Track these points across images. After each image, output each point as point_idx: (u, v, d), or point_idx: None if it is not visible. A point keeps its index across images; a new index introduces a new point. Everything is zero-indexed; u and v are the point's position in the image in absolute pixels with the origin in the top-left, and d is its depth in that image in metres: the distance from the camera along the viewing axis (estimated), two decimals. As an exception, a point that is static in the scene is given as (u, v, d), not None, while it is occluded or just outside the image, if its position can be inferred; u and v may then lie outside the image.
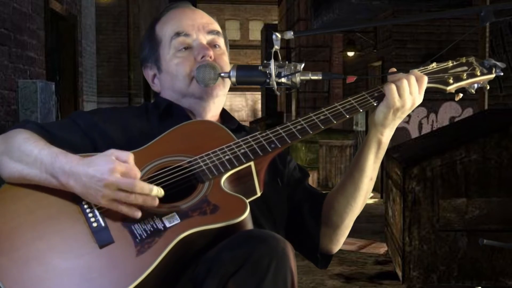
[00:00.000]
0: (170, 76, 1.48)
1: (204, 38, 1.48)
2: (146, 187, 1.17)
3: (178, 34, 1.47)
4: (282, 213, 1.48)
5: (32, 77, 4.88)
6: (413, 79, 1.35)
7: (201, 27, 1.49)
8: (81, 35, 6.83)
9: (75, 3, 6.65)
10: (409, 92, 1.34)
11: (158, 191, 1.18)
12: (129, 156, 1.19)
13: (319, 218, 1.48)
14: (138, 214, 1.18)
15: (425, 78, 1.37)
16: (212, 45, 1.49)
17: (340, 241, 1.52)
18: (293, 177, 1.55)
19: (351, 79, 1.39)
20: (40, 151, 1.24)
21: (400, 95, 1.33)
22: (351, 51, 9.82)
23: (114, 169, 1.16)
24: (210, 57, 1.45)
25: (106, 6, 9.88)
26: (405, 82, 1.34)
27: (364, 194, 1.46)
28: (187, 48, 1.47)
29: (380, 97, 1.36)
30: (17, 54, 4.57)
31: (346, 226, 1.49)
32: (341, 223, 1.48)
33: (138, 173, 1.18)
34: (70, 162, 1.20)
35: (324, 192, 1.55)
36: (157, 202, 1.18)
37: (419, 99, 1.36)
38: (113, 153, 1.19)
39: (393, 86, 1.34)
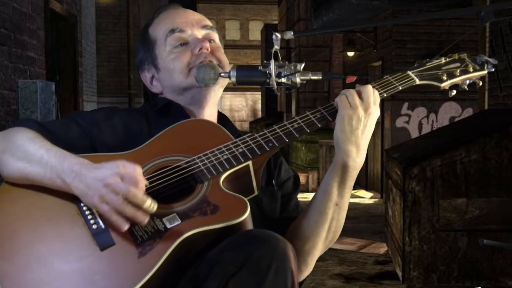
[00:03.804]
0: (168, 72, 1.47)
1: (199, 33, 1.49)
2: (139, 196, 1.15)
3: (172, 31, 1.47)
4: (274, 215, 1.46)
5: (32, 77, 4.88)
6: (361, 88, 1.34)
7: (195, 22, 1.50)
8: (81, 35, 6.83)
9: (75, 3, 6.65)
10: (358, 98, 1.32)
11: (151, 204, 1.15)
12: (136, 166, 1.18)
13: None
14: (125, 226, 1.15)
15: (369, 87, 1.34)
16: (207, 39, 1.49)
17: (301, 268, 1.40)
18: (285, 186, 1.52)
19: (351, 79, 1.40)
20: (47, 151, 1.24)
21: (350, 102, 1.31)
22: (351, 51, 9.82)
23: (117, 173, 1.16)
24: (207, 49, 1.46)
25: (106, 6, 9.90)
26: (352, 90, 1.33)
27: (329, 222, 1.37)
28: (183, 44, 1.47)
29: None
30: (17, 54, 4.57)
31: (307, 252, 1.39)
32: (302, 246, 1.38)
33: (141, 183, 1.16)
34: (80, 164, 1.21)
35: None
36: (146, 220, 1.16)
37: (373, 106, 1.32)
38: (123, 161, 1.19)
39: (343, 96, 1.33)
